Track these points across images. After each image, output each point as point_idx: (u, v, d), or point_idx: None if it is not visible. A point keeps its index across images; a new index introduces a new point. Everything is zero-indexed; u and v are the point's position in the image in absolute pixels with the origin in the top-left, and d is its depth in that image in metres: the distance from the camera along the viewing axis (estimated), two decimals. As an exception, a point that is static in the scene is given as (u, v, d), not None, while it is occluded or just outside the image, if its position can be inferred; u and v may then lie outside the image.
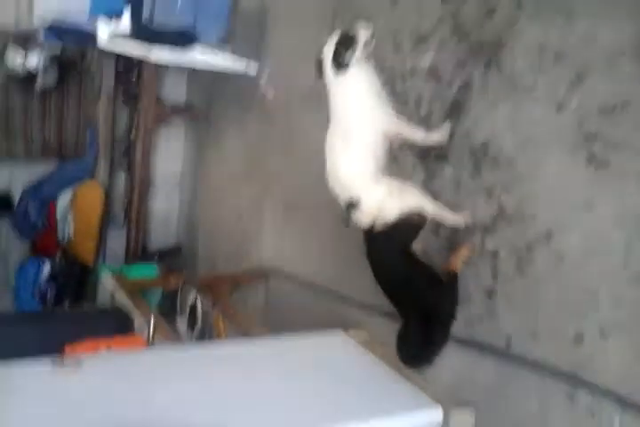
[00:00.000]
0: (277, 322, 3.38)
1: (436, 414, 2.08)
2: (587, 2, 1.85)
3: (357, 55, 2.08)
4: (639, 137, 1.70)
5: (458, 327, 2.22)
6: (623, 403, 1.75)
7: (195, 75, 4.85)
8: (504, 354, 2.11)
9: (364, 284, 2.41)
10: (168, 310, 3.42)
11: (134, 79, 4.69)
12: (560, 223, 1.92)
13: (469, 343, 2.23)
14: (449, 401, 2.16)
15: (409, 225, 2.16)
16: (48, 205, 4.68)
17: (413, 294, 2.11)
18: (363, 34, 2.08)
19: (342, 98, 2.15)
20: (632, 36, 1.72)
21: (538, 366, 1.99)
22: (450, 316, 2.17)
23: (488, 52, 2.17)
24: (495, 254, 2.14)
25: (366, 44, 2.08)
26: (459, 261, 2.20)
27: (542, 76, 1.97)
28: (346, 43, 2.09)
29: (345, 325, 2.70)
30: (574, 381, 1.88)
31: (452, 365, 2.29)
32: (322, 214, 3.12)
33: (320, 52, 2.15)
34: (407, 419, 2.03)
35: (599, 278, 1.80)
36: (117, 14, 3.47)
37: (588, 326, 1.84)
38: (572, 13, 1.89)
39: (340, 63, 2.09)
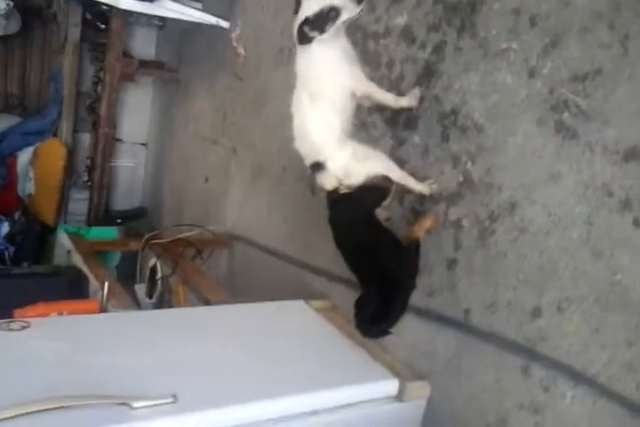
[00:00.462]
0: (240, 289, 3.34)
1: (392, 385, 2.07)
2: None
3: (328, 32, 1.93)
4: (609, 107, 1.64)
5: (417, 298, 2.19)
6: (576, 377, 1.73)
7: (164, 30, 4.69)
8: (462, 326, 2.08)
9: (329, 253, 2.36)
10: (127, 274, 3.34)
11: (102, 29, 4.51)
12: (524, 194, 1.86)
13: (428, 314, 2.20)
14: (405, 373, 2.15)
15: (373, 190, 2.12)
16: (8, 161, 4.54)
17: (374, 261, 2.06)
18: (348, 12, 1.93)
19: (311, 59, 2.05)
20: (609, 2, 1.64)
21: (495, 339, 1.97)
22: (410, 284, 2.13)
23: (462, 14, 2.08)
24: (458, 225, 2.09)
25: (349, 19, 1.95)
26: (422, 230, 2.15)
27: (516, 40, 1.89)
28: (322, 20, 1.92)
29: (309, 294, 2.67)
30: (530, 354, 1.86)
31: (410, 335, 2.26)
32: (290, 180, 3.05)
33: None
34: (361, 390, 2.00)
35: (560, 252, 1.76)
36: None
37: (546, 299, 1.81)
38: (549, -25, 1.81)
39: (305, 38, 1.95)
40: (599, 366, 1.69)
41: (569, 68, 1.74)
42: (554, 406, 1.79)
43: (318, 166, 2.06)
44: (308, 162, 2.10)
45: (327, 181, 2.08)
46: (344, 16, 1.92)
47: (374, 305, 2.08)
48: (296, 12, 1.98)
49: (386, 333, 2.13)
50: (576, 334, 1.74)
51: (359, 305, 2.09)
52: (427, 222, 2.15)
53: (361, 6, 1.93)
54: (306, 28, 1.93)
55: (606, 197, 1.65)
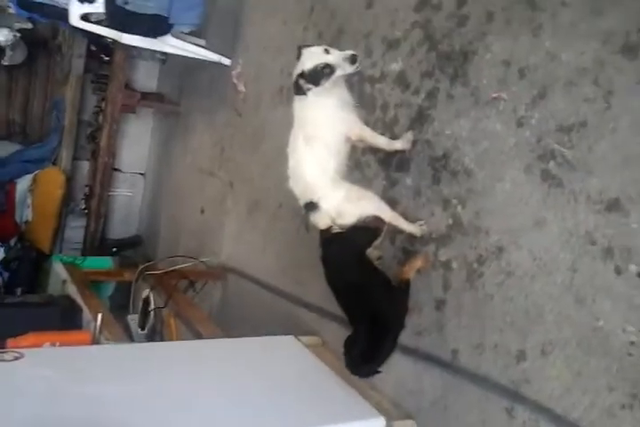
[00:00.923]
0: (232, 322, 3.36)
1: (378, 424, 2.07)
2: (554, 20, 1.85)
3: (323, 86, 2.04)
4: (593, 159, 1.70)
5: (406, 337, 2.22)
6: (558, 421, 1.76)
7: (168, 64, 4.78)
8: (449, 366, 2.11)
9: (321, 289, 2.38)
10: (120, 304, 3.36)
11: (106, 61, 4.61)
12: (511, 239, 1.92)
13: (416, 353, 2.24)
14: (392, 412, 2.16)
15: (365, 231, 2.16)
16: (7, 187, 4.59)
17: (364, 300, 2.10)
18: (344, 67, 2.03)
19: (306, 108, 2.13)
20: (593, 58, 1.72)
21: (481, 380, 2.00)
22: (399, 324, 2.15)
23: (455, 63, 2.16)
24: (448, 266, 2.14)
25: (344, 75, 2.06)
26: (412, 271, 2.19)
27: (506, 90, 1.97)
28: (317, 75, 2.02)
29: (300, 329, 2.70)
30: (514, 396, 1.89)
31: (398, 374, 2.29)
32: (284, 215, 3.11)
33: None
34: (347, 428, 2.02)
35: (544, 297, 1.81)
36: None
37: (530, 343, 1.85)
38: (539, 30, 1.89)
39: (300, 90, 2.06)
40: (581, 411, 1.72)
41: (555, 120, 1.81)
42: (537, 449, 1.82)
43: (312, 206, 2.11)
44: (302, 201, 2.15)
45: (320, 221, 2.13)
46: (338, 73, 2.02)
47: (363, 344, 2.10)
48: (298, 58, 2.08)
49: (375, 372, 2.15)
50: (559, 377, 1.77)
51: (348, 344, 2.12)
52: (417, 263, 2.20)
53: (355, 65, 2.03)
54: (301, 82, 2.04)
55: (589, 245, 1.71)
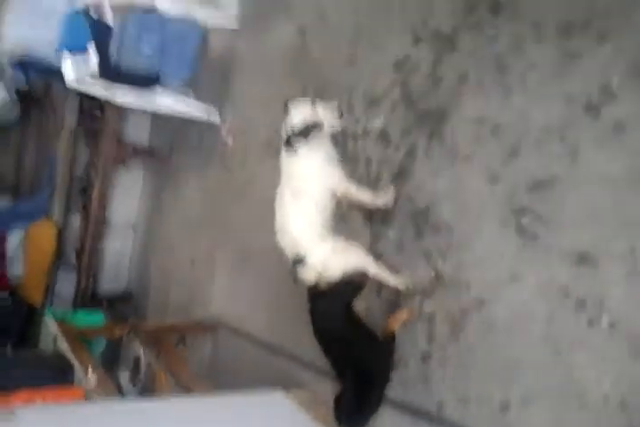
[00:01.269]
0: (222, 377, 3.35)
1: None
2: (523, 82, 1.95)
3: (314, 140, 2.17)
4: (563, 214, 1.78)
5: (393, 390, 2.24)
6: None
7: (158, 119, 4.88)
8: (435, 418, 2.13)
9: (310, 343, 2.41)
10: (111, 360, 3.36)
11: (98, 117, 4.71)
12: (490, 292, 1.98)
13: (403, 406, 2.25)
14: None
15: (351, 285, 2.20)
16: (-1, 241, 4.63)
17: (350, 354, 2.13)
18: (330, 122, 2.19)
19: (294, 163, 2.21)
20: (560, 117, 1.82)
21: (468, 432, 2.02)
22: (385, 377, 2.19)
23: (432, 121, 2.26)
24: (432, 319, 2.18)
25: (330, 129, 2.18)
26: (397, 323, 2.23)
27: (480, 148, 2.06)
28: (306, 131, 2.16)
29: (289, 383, 2.70)
30: (500, 448, 1.91)
31: (386, 427, 2.30)
32: (273, 269, 3.14)
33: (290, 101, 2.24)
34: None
35: (524, 348, 1.86)
36: (84, 51, 3.53)
37: (512, 394, 1.88)
38: (509, 90, 1.99)
39: (291, 147, 2.17)
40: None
41: (527, 176, 1.90)
42: None
43: (299, 260, 2.16)
44: (289, 255, 2.20)
45: (307, 275, 2.18)
46: (326, 128, 2.12)
47: (351, 399, 2.12)
48: (286, 112, 2.19)
49: (363, 425, 2.17)
50: (541, 428, 1.81)
51: (338, 400, 2.14)
52: (402, 316, 2.24)
53: (341, 120, 2.18)
54: (292, 140, 2.15)
55: (563, 298, 1.77)
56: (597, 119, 1.73)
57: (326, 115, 2.14)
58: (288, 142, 2.15)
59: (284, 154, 2.22)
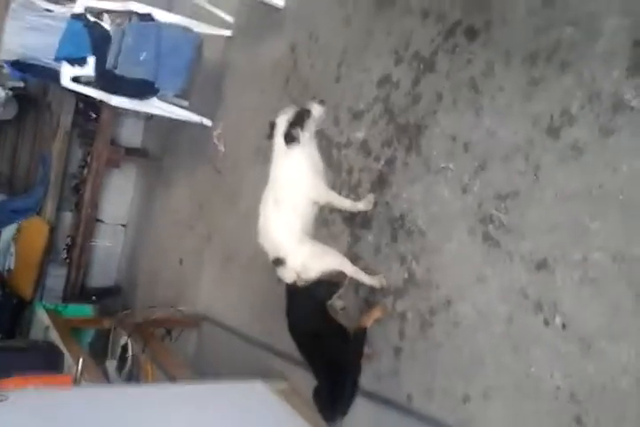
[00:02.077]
0: (206, 368, 3.51)
1: (339, 465, 2.23)
2: (493, 102, 2.14)
3: (307, 133, 2.33)
4: (524, 224, 1.96)
5: (368, 382, 2.40)
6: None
7: (152, 122, 5.04)
8: (404, 409, 2.30)
9: (290, 337, 2.57)
10: (99, 350, 3.51)
11: (93, 118, 4.85)
12: (457, 293, 2.15)
13: (377, 397, 2.41)
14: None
15: (327, 285, 2.36)
16: (-9, 238, 4.74)
17: (322, 348, 2.28)
18: (317, 112, 2.34)
19: (282, 166, 2.37)
20: (525, 137, 2.00)
21: (432, 422, 2.19)
22: (355, 369, 2.31)
23: (410, 135, 2.44)
24: (403, 316, 2.35)
25: (317, 122, 2.35)
26: (370, 320, 2.39)
27: (452, 161, 2.24)
28: (300, 119, 2.32)
29: (269, 374, 2.86)
30: (460, 437, 2.08)
31: (360, 417, 2.43)
32: (257, 268, 3.31)
33: (275, 116, 2.38)
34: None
35: (486, 345, 2.03)
36: (82, 59, 3.66)
37: (474, 388, 2.05)
38: (480, 110, 2.17)
39: (292, 138, 2.31)
40: (518, 450, 1.92)
41: (493, 188, 2.08)
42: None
43: (279, 261, 2.32)
44: (270, 256, 2.36)
45: (287, 275, 2.34)
46: (314, 114, 2.32)
47: (327, 391, 2.27)
48: (270, 136, 2.36)
49: (342, 414, 2.30)
50: (498, 419, 1.98)
51: (316, 393, 2.28)
52: (376, 313, 2.41)
53: (323, 108, 2.36)
54: (291, 129, 2.30)
55: (523, 299, 1.94)
56: (558, 140, 1.91)
57: (312, 107, 2.33)
58: (290, 134, 2.30)
59: (278, 151, 2.36)
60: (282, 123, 2.34)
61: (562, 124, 1.90)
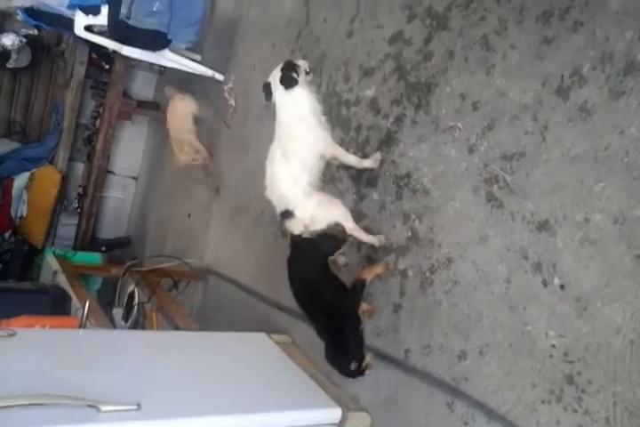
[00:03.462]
0: (211, 320, 3.59)
1: (335, 414, 2.29)
2: (504, 61, 2.10)
3: (301, 79, 2.35)
4: (528, 185, 1.96)
5: (367, 337, 2.43)
6: (490, 415, 2.00)
7: (164, 75, 5.01)
8: (402, 364, 2.35)
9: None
10: (107, 298, 3.58)
11: (106, 69, 4.84)
12: (458, 252, 2.17)
13: (376, 353, 2.45)
14: (350, 404, 2.38)
15: (330, 239, 2.38)
16: (5, 183, 4.80)
17: (320, 300, 2.31)
18: (302, 65, 2.38)
19: (286, 116, 2.37)
20: (534, 97, 1.97)
21: (428, 378, 2.24)
22: (353, 319, 2.31)
23: (420, 94, 2.41)
24: (405, 274, 2.38)
25: (305, 73, 2.37)
26: (371, 275, 2.41)
27: (461, 121, 2.22)
28: (291, 68, 2.35)
29: (272, 328, 2.91)
30: (455, 392, 2.13)
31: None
32: (264, 222, 3.34)
33: (268, 76, 2.38)
34: (306, 415, 2.23)
35: (484, 304, 2.05)
36: (96, 7, 3.63)
37: (471, 344, 2.09)
38: (491, 69, 2.14)
39: (290, 79, 2.33)
40: (509, 406, 1.96)
41: (500, 149, 2.07)
42: (470, 439, 2.06)
43: (287, 214, 2.33)
44: (278, 209, 2.38)
45: (295, 227, 2.35)
46: (301, 65, 2.38)
47: (331, 344, 2.30)
48: (268, 97, 2.40)
49: (359, 372, 2.32)
50: (492, 376, 2.02)
51: (326, 352, 2.30)
52: (377, 269, 2.43)
53: (304, 61, 2.44)
54: (287, 73, 2.33)
55: (522, 260, 1.96)
56: (567, 101, 1.89)
57: (300, 64, 2.38)
58: (288, 78, 2.34)
59: (280, 101, 2.37)
60: (275, 75, 2.37)
61: (572, 85, 1.87)
